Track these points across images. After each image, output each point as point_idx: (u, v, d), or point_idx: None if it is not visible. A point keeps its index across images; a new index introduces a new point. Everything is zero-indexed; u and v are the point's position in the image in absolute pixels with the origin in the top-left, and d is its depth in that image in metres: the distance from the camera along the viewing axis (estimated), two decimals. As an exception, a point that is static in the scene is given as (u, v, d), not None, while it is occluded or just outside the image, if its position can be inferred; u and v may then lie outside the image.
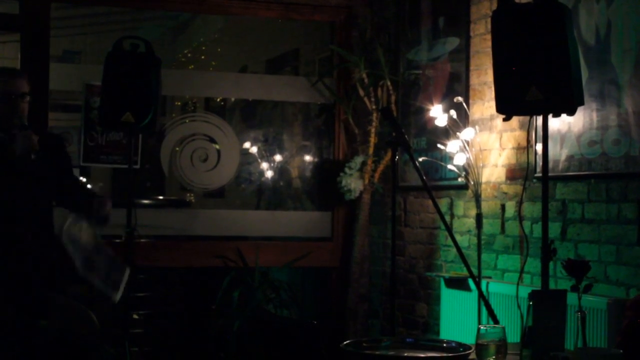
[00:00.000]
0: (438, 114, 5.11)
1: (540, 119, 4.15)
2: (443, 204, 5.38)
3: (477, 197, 4.97)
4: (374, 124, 5.90)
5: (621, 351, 2.57)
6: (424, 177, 4.22)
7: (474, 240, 5.05)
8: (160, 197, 6.81)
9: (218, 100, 7.48)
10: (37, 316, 2.80)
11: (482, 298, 4.13)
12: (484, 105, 5.09)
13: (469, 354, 2.98)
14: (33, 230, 4.20)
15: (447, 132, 5.09)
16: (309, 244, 6.21)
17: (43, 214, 4.29)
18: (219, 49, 8.32)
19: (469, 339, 3.09)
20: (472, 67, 5.22)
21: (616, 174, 4.11)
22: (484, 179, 5.01)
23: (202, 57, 8.42)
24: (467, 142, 4.95)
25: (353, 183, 5.92)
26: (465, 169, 5.01)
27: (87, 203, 4.30)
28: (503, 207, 4.91)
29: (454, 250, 4.50)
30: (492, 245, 4.98)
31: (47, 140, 4.35)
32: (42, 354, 2.53)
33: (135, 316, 6.00)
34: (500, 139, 4.95)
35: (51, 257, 4.25)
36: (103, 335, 3.10)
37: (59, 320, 2.95)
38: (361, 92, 5.95)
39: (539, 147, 4.39)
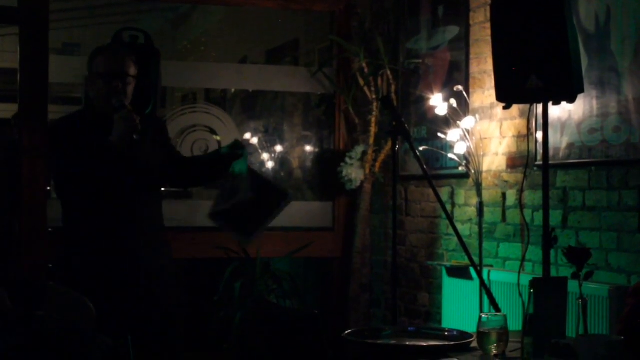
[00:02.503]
0: (438, 103, 5.11)
1: (540, 107, 4.15)
2: (444, 192, 5.38)
3: (478, 186, 4.97)
4: (374, 113, 5.89)
5: (622, 338, 2.57)
6: (425, 166, 4.22)
7: (475, 228, 5.06)
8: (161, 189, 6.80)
9: (218, 91, 7.48)
10: (34, 306, 2.80)
11: (484, 286, 4.14)
12: (484, 93, 5.09)
13: (471, 342, 2.99)
14: (134, 220, 4.03)
15: (448, 121, 5.08)
16: (310, 234, 6.21)
17: (145, 201, 4.11)
18: (219, 40, 8.32)
19: (471, 328, 3.10)
20: (471, 56, 5.21)
21: (617, 161, 4.11)
22: (484, 167, 5.01)
23: (202, 48, 8.42)
24: (468, 131, 4.95)
25: (354, 173, 5.92)
26: (466, 158, 5.01)
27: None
28: (504, 195, 4.91)
29: (455, 239, 4.50)
30: (493, 233, 4.98)
31: (150, 122, 4.18)
32: (38, 344, 2.53)
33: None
34: (501, 127, 4.95)
35: (156, 250, 4.13)
36: (102, 326, 3.10)
37: (56, 310, 2.94)
38: (361, 82, 5.95)
39: (540, 135, 4.39)
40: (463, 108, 5.06)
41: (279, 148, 6.57)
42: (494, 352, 2.86)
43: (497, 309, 3.90)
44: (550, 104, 4.01)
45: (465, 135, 4.94)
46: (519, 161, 4.79)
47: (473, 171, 4.97)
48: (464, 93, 5.07)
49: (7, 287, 3.12)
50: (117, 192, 4.00)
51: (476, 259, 4.71)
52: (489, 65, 4.91)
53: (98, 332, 2.72)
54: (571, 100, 3.92)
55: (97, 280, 3.93)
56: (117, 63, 4.04)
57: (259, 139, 6.52)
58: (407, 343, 3.08)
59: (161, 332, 4.09)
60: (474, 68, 5.20)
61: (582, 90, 3.93)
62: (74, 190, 4.05)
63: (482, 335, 2.88)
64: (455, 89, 5.06)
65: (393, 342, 3.10)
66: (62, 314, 3.05)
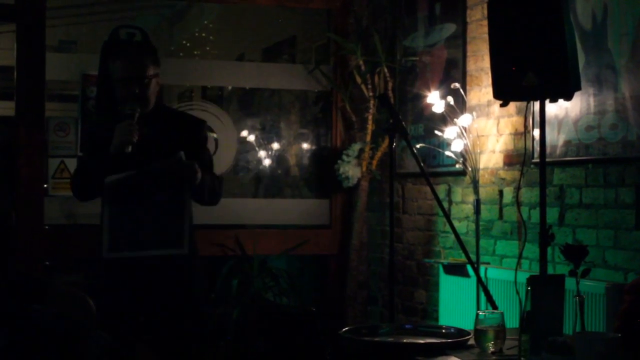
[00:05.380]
0: (435, 101, 5.11)
1: (537, 105, 4.15)
2: (441, 190, 5.38)
3: (475, 183, 4.97)
4: (371, 111, 5.89)
5: (619, 335, 2.57)
6: (422, 164, 4.22)
7: (472, 226, 5.06)
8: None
9: (215, 88, 7.47)
10: (33, 301, 2.80)
11: (481, 284, 4.14)
12: (481, 91, 5.09)
13: (468, 339, 2.99)
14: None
15: (445, 119, 5.08)
16: (307, 232, 6.21)
17: (164, 201, 3.99)
18: (216, 38, 8.30)
19: (468, 325, 3.11)
20: (468, 53, 5.22)
21: (614, 158, 4.11)
22: (481, 165, 5.01)
23: (199, 45, 8.41)
24: (465, 129, 4.95)
25: (351, 170, 5.92)
26: (463, 155, 5.01)
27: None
28: (501, 192, 4.91)
29: (452, 236, 4.51)
30: (490, 231, 4.98)
31: (184, 126, 4.06)
32: (35, 338, 2.54)
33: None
34: (498, 124, 4.95)
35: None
36: (99, 322, 3.11)
37: (54, 305, 2.95)
38: (358, 79, 5.95)
39: (537, 133, 4.39)
40: (460, 105, 5.06)
41: (275, 145, 6.56)
42: (491, 349, 2.87)
43: (494, 307, 3.90)
44: (547, 102, 4.01)
45: (462, 133, 4.94)
46: (516, 159, 4.79)
47: (470, 169, 4.98)
48: (461, 90, 5.07)
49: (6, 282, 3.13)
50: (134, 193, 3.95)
51: (473, 257, 4.71)
52: (486, 63, 4.91)
53: (97, 328, 2.72)
54: (568, 97, 3.92)
55: (118, 276, 3.94)
56: (134, 66, 3.96)
57: (256, 137, 6.51)
58: (405, 340, 3.09)
59: (185, 331, 4.09)
60: (471, 65, 5.20)
61: (579, 88, 3.93)
62: (98, 187, 4.00)
63: (479, 333, 2.89)
64: (452, 86, 5.06)
65: (390, 339, 3.10)
66: (60, 309, 3.06)
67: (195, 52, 8.22)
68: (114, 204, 3.94)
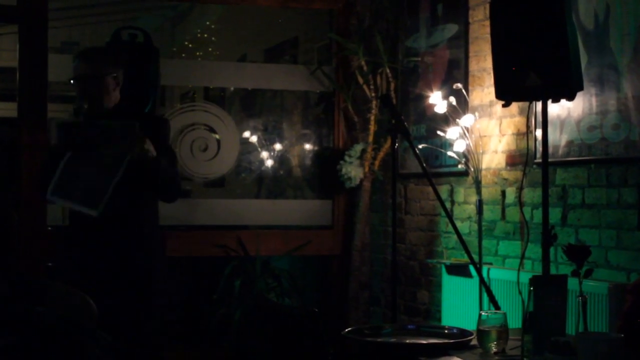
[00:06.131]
0: (437, 101, 5.11)
1: (539, 105, 4.15)
2: (443, 190, 5.37)
3: (478, 184, 4.97)
4: (373, 111, 5.89)
5: (622, 335, 2.57)
6: (424, 164, 4.22)
7: (475, 226, 5.06)
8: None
9: (217, 89, 7.47)
10: (35, 302, 2.81)
11: (483, 284, 4.14)
12: (484, 91, 5.09)
13: (471, 340, 2.99)
14: (121, 219, 4.02)
15: (447, 119, 5.08)
16: (309, 233, 6.21)
17: (132, 201, 4.09)
18: (218, 38, 8.31)
19: (471, 325, 3.10)
20: (471, 54, 5.21)
21: (616, 158, 4.11)
22: (484, 165, 5.01)
23: (201, 46, 8.41)
24: (467, 129, 4.95)
25: (353, 171, 5.92)
26: (465, 156, 5.01)
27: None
28: (503, 193, 4.91)
29: (455, 237, 4.50)
30: (492, 231, 4.98)
31: (145, 123, 4.04)
32: (38, 340, 2.54)
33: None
34: (500, 125, 4.95)
35: (146, 250, 4.10)
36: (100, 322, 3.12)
37: (55, 306, 2.96)
38: (360, 80, 5.95)
39: (539, 133, 4.39)
40: (462, 106, 5.06)
41: (278, 146, 6.57)
42: (494, 349, 2.86)
43: (497, 307, 3.90)
44: (549, 102, 4.01)
45: (464, 133, 4.94)
46: (519, 159, 4.79)
47: (472, 169, 4.97)
48: (463, 91, 5.07)
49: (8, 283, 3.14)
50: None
51: (475, 257, 4.71)
52: (488, 63, 4.91)
53: (98, 328, 2.72)
54: (570, 97, 3.92)
55: (87, 279, 3.95)
56: (84, 66, 4.06)
57: (258, 137, 6.52)
58: (407, 341, 3.08)
59: (144, 331, 4.09)
60: (473, 66, 5.20)
61: (581, 88, 3.93)
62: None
63: (482, 333, 2.89)
64: (454, 86, 5.06)
65: (393, 340, 3.10)
66: (62, 311, 3.07)
67: (198, 53, 8.23)
68: (63, 149, 3.97)
